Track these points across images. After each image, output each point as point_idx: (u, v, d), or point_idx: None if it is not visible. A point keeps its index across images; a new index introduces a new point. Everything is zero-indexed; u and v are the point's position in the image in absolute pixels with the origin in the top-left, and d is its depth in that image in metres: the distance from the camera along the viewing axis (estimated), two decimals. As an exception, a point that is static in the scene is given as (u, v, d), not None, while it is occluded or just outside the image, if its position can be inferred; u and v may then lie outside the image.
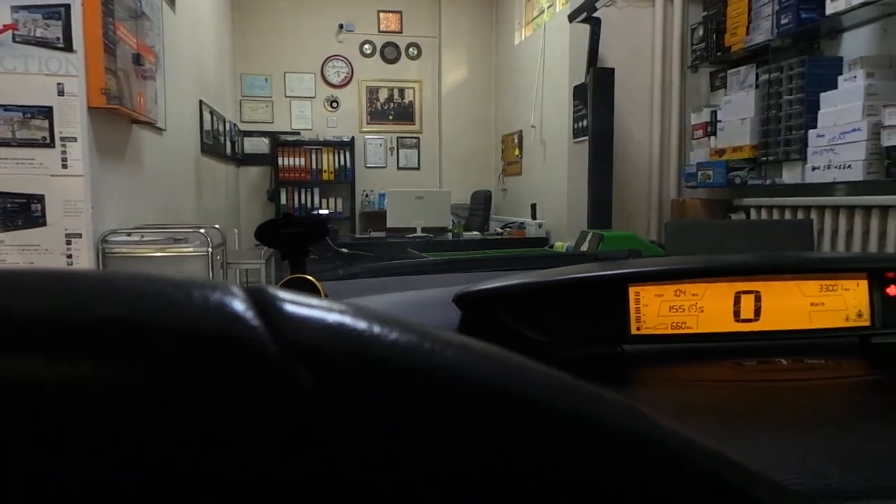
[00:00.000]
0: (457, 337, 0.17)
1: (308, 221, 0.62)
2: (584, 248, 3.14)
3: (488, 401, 0.15)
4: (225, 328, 0.15)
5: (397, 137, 7.26)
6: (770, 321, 0.56)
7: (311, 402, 0.14)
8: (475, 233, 5.19)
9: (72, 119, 2.45)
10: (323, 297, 0.61)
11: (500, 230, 5.27)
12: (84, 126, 2.48)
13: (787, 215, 2.84)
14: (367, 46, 7.11)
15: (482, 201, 5.87)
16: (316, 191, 6.87)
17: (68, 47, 2.43)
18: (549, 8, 5.96)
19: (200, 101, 4.79)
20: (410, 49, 7.20)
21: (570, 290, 0.58)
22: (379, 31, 7.13)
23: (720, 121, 3.29)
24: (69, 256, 2.54)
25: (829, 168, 2.57)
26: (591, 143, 3.54)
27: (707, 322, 0.57)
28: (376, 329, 0.16)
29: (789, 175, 2.84)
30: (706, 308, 0.56)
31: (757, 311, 0.56)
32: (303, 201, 6.85)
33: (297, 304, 0.16)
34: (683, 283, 0.56)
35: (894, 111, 2.29)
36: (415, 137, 7.31)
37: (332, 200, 6.91)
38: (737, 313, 0.57)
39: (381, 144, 7.23)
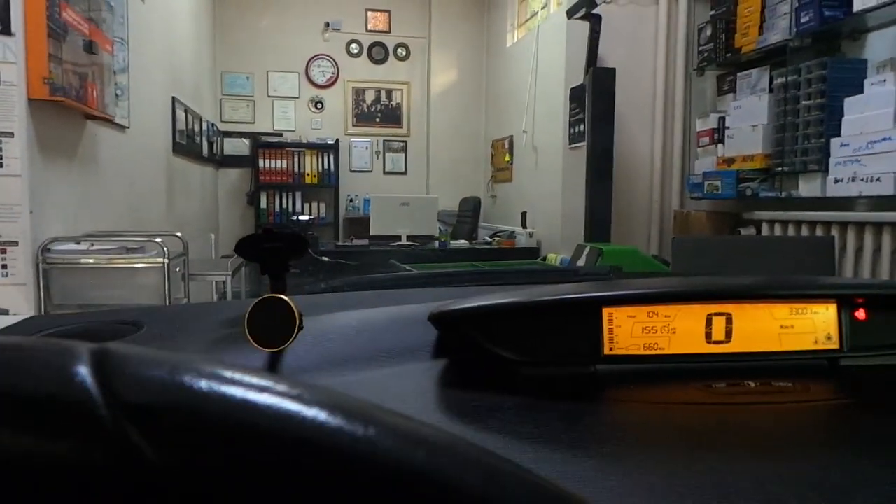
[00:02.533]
0: (296, 386, 0.17)
1: (289, 237, 0.61)
2: (582, 262, 2.90)
3: (318, 452, 0.16)
4: (59, 393, 0.15)
5: (384, 141, 7.00)
6: (741, 343, 0.57)
7: (141, 461, 0.15)
8: (463, 241, 4.95)
9: (8, 111, 2.17)
10: (297, 317, 0.56)
11: (490, 239, 5.02)
12: (23, 120, 2.19)
13: (804, 231, 2.61)
14: (353, 46, 6.85)
15: (471, 208, 5.63)
16: (298, 195, 6.60)
17: (5, 30, 2.14)
18: (542, 9, 5.75)
19: (173, 98, 4.50)
20: (399, 49, 6.96)
21: (544, 311, 0.59)
22: (366, 31, 6.89)
23: (728, 127, 3.06)
24: (4, 266, 2.25)
25: (853, 180, 2.33)
26: (589, 149, 3.29)
27: (679, 343, 0.57)
28: (205, 385, 0.16)
29: (807, 187, 2.61)
30: (678, 329, 0.57)
31: (728, 333, 0.57)
32: (284, 205, 6.57)
33: (139, 363, 0.16)
34: (656, 305, 0.57)
35: (931, 119, 2.06)
36: (402, 141, 7.05)
37: (314, 205, 6.64)
38: (708, 335, 0.57)
39: (367, 147, 6.97)
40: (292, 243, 0.61)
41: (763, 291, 0.59)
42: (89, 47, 2.52)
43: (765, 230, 2.83)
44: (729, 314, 0.58)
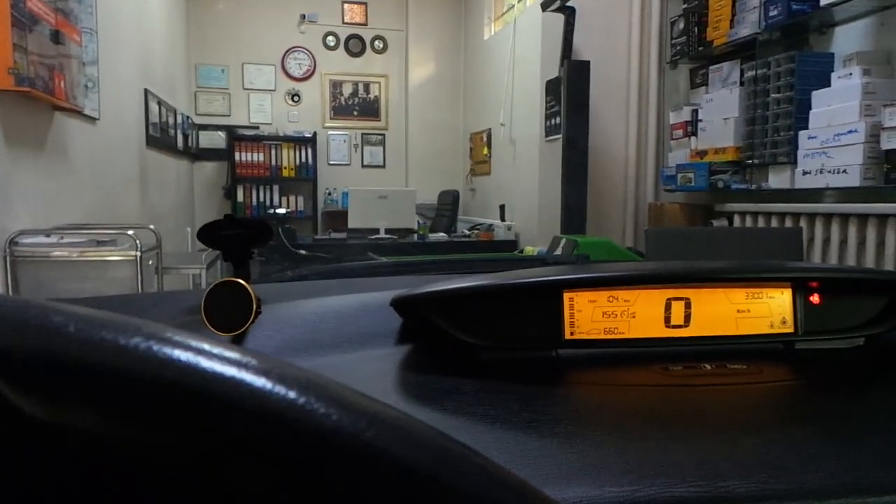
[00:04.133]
0: (152, 326, 0.17)
1: (251, 224, 0.61)
2: (558, 254, 2.92)
3: (161, 390, 0.15)
4: None
5: (362, 134, 6.97)
6: (699, 327, 0.58)
7: (7, 406, 0.15)
8: (441, 234, 4.96)
9: (-27, 102, 2.12)
10: (254, 300, 0.56)
11: (468, 232, 5.04)
12: (-12, 111, 2.15)
13: (774, 222, 2.65)
14: (330, 38, 6.80)
15: (449, 201, 5.63)
16: (275, 188, 6.54)
17: (-31, 19, 2.09)
18: (519, 2, 5.75)
19: (146, 90, 4.44)
20: (376, 42, 6.92)
21: (504, 295, 0.59)
22: (343, 23, 6.84)
23: (701, 120, 3.10)
24: (-30, 261, 2.21)
25: (821, 172, 2.38)
26: (564, 141, 3.31)
27: (639, 328, 0.58)
28: (57, 321, 0.16)
29: (776, 179, 2.65)
30: (638, 314, 0.58)
31: (687, 318, 0.58)
32: (261, 199, 6.52)
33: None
34: (616, 289, 0.58)
35: (895, 111, 2.11)
36: (380, 134, 7.02)
37: (292, 199, 6.59)
38: (667, 319, 0.58)
39: (344, 141, 6.93)
40: (254, 230, 0.61)
41: (720, 275, 0.59)
42: (56, 37, 2.48)
43: (736, 222, 2.88)
44: (688, 299, 0.58)
